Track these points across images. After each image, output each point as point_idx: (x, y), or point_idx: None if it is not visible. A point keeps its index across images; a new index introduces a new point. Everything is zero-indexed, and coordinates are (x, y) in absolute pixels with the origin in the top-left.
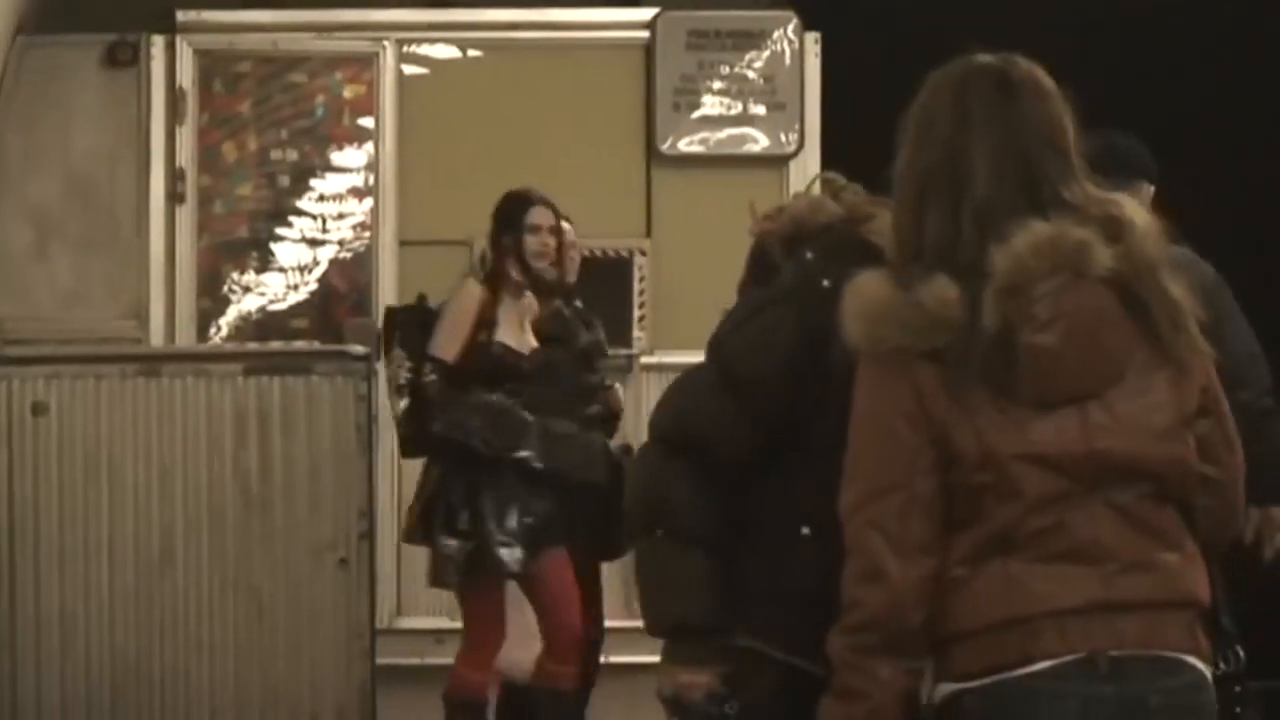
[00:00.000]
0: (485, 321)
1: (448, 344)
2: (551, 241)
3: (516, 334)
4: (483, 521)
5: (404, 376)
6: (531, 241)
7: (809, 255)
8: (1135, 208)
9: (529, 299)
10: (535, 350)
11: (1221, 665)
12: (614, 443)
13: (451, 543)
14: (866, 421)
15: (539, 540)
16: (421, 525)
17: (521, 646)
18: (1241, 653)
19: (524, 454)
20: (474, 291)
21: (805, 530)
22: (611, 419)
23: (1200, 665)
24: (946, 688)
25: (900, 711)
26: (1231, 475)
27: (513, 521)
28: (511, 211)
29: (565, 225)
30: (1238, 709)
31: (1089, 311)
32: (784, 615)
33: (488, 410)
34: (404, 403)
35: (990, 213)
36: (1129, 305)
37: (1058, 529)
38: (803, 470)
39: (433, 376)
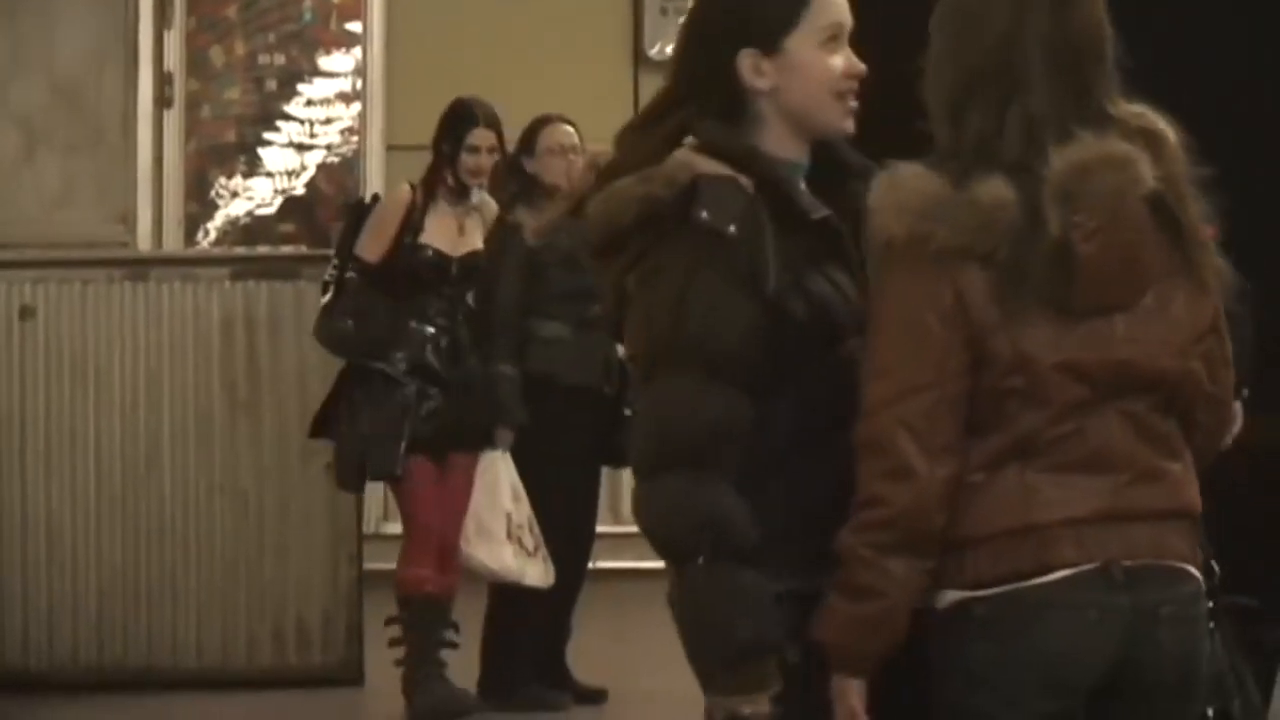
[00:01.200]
0: (411, 223)
1: (370, 244)
2: (487, 162)
3: (449, 238)
4: (355, 424)
5: (329, 274)
6: (468, 160)
7: (704, 215)
8: (1166, 122)
9: (478, 205)
10: (467, 254)
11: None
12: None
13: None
14: (897, 318)
15: (410, 446)
16: (317, 423)
17: (483, 546)
18: (1216, 567)
19: (378, 365)
20: (400, 194)
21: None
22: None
23: (1198, 574)
24: (954, 595)
25: (908, 614)
26: (1226, 393)
27: (381, 425)
28: (455, 124)
29: (569, 130)
30: (1212, 623)
31: (1129, 225)
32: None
33: (358, 315)
34: (325, 299)
35: (1040, 117)
36: (1161, 220)
37: (1076, 436)
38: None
39: (351, 274)
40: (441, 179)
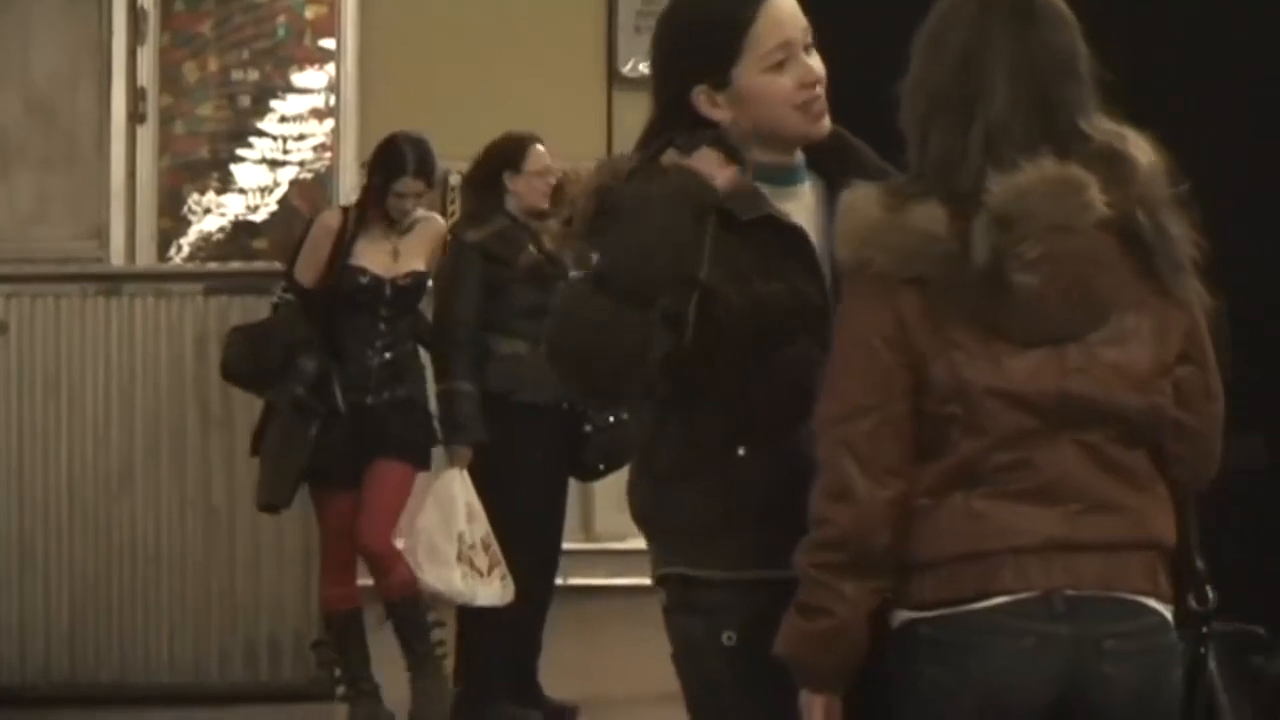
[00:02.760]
0: (341, 246)
1: (304, 267)
2: (410, 206)
3: (382, 260)
4: (264, 452)
5: (277, 296)
6: (394, 203)
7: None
8: (1142, 144)
9: (412, 226)
10: (402, 275)
11: (1193, 604)
12: None
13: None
14: (848, 339)
15: (303, 474)
16: (253, 442)
17: (433, 569)
18: (1211, 593)
19: (269, 395)
20: (329, 217)
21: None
22: None
23: (1161, 607)
24: (903, 615)
25: (864, 631)
26: (1208, 425)
27: (273, 455)
28: (386, 166)
29: (540, 149)
30: (1203, 649)
31: (1077, 256)
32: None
33: (255, 345)
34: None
35: (1001, 137)
36: (1129, 244)
37: (1024, 465)
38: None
39: (289, 297)
40: (371, 205)
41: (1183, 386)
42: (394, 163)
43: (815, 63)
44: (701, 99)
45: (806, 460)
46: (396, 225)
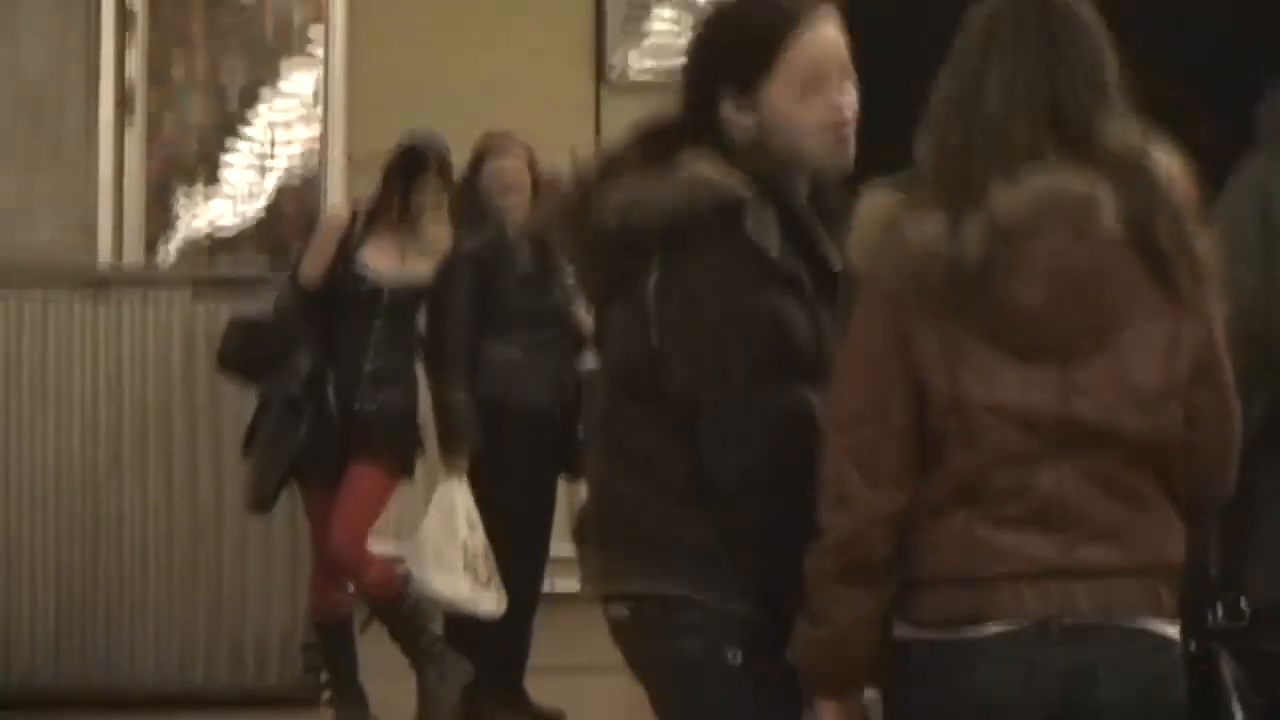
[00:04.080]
0: (347, 246)
1: (309, 265)
2: (431, 203)
3: (389, 264)
4: (254, 448)
5: (280, 296)
6: (415, 199)
7: (751, 231)
8: (1167, 155)
9: (429, 240)
10: (404, 281)
11: (1210, 619)
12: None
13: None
14: (854, 348)
15: (289, 474)
16: (245, 441)
17: (441, 575)
18: (1221, 609)
19: (260, 388)
20: (336, 217)
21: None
22: (575, 342)
23: (1162, 628)
24: (901, 632)
25: (870, 638)
26: (1221, 444)
27: (260, 453)
28: (407, 166)
29: (515, 167)
30: (1212, 665)
31: (1084, 271)
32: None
33: (254, 336)
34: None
35: (1000, 141)
36: (1144, 255)
37: (1025, 490)
38: None
39: (290, 297)
40: (386, 208)
41: (1195, 406)
42: (415, 162)
43: (848, 97)
44: (729, 103)
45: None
46: (408, 229)
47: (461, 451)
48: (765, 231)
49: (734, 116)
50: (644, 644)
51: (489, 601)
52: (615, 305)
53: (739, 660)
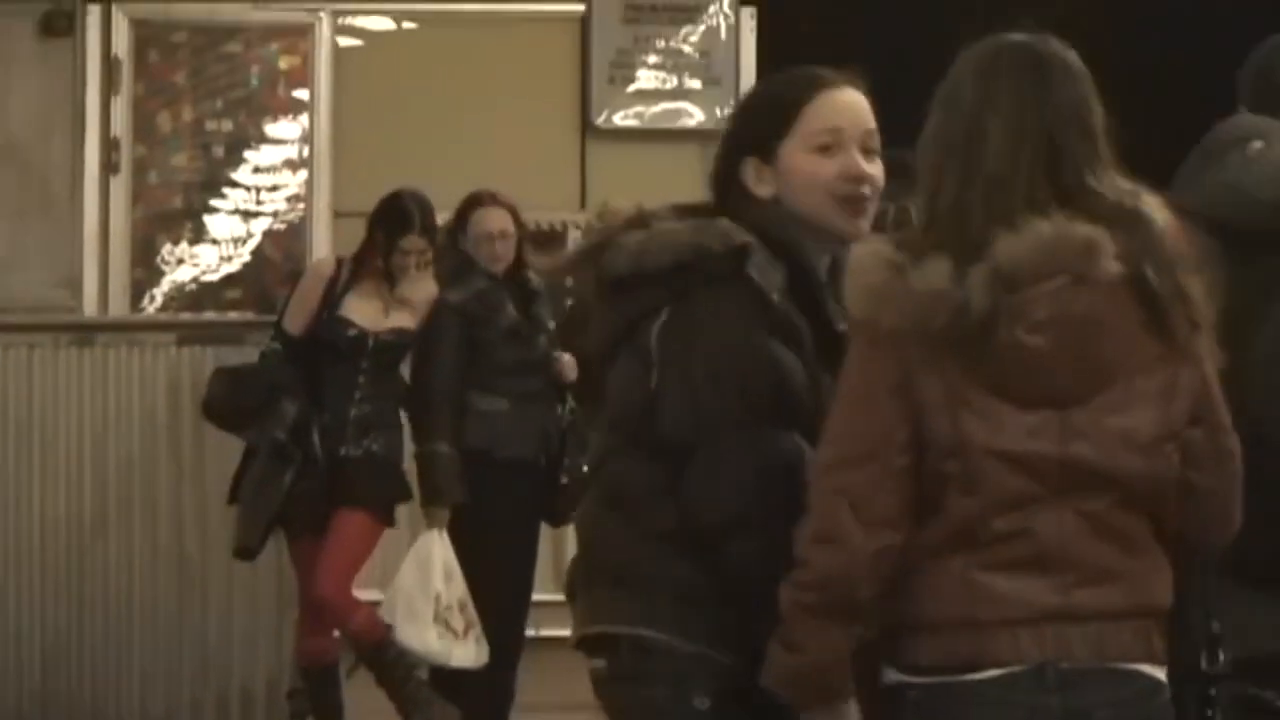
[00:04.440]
0: (332, 296)
1: (292, 316)
2: (414, 263)
3: (372, 314)
4: (241, 496)
5: (267, 345)
6: (399, 260)
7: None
8: (1157, 203)
9: (402, 289)
10: (388, 330)
11: (1203, 664)
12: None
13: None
14: (852, 389)
15: (275, 520)
16: (231, 491)
17: (410, 627)
18: (1222, 655)
19: (248, 435)
20: (322, 266)
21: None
22: (558, 391)
23: (1153, 671)
24: (894, 676)
25: (844, 667)
26: (1222, 484)
27: (248, 499)
28: (391, 223)
29: (500, 213)
30: (1210, 711)
31: (1085, 318)
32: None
33: (239, 384)
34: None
35: (1001, 193)
36: (1141, 302)
37: (1024, 535)
38: None
39: (276, 345)
40: (370, 260)
41: (1192, 448)
42: (399, 220)
43: (871, 166)
44: (749, 171)
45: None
46: (392, 282)
47: (443, 504)
48: (769, 278)
49: (755, 186)
50: (617, 691)
51: (464, 653)
52: (623, 353)
53: (705, 706)
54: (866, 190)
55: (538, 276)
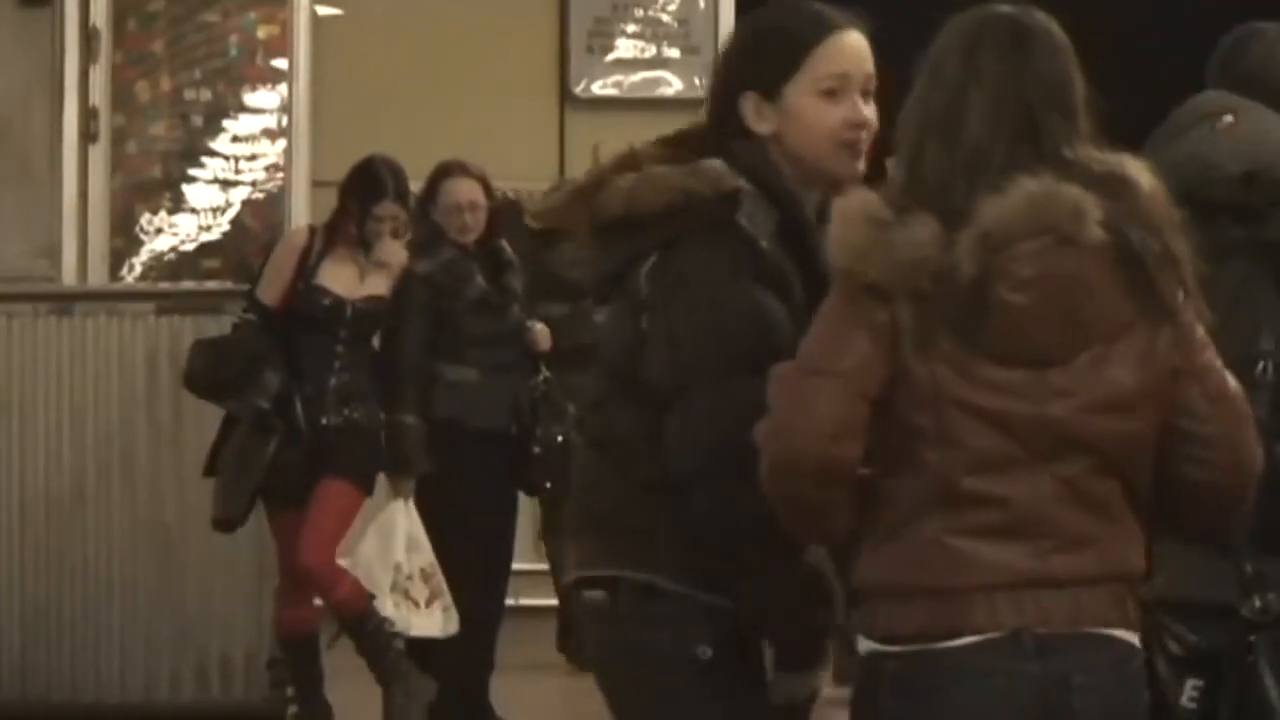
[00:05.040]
0: (307, 266)
1: (267, 287)
2: (389, 229)
3: (347, 282)
4: (221, 469)
5: (238, 317)
6: (372, 227)
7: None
8: (1140, 168)
9: (378, 254)
10: (364, 299)
11: (1245, 611)
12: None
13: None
14: (827, 318)
15: (258, 491)
16: (208, 463)
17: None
18: (1259, 601)
19: (230, 406)
20: (296, 236)
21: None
22: (531, 362)
23: (1127, 636)
24: (869, 645)
25: (848, 511)
26: (1223, 426)
27: (231, 470)
28: (364, 190)
29: (469, 184)
30: (1251, 656)
31: (1069, 278)
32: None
33: (219, 355)
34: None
35: (981, 161)
36: (1125, 266)
37: (999, 499)
38: None
39: (250, 316)
40: (344, 227)
41: (1181, 399)
42: (373, 187)
43: (869, 110)
44: (750, 106)
45: None
46: (366, 249)
47: (409, 475)
48: (759, 223)
49: (754, 122)
50: (614, 633)
51: (425, 623)
52: (616, 299)
53: (707, 656)
54: (865, 135)
55: (509, 247)
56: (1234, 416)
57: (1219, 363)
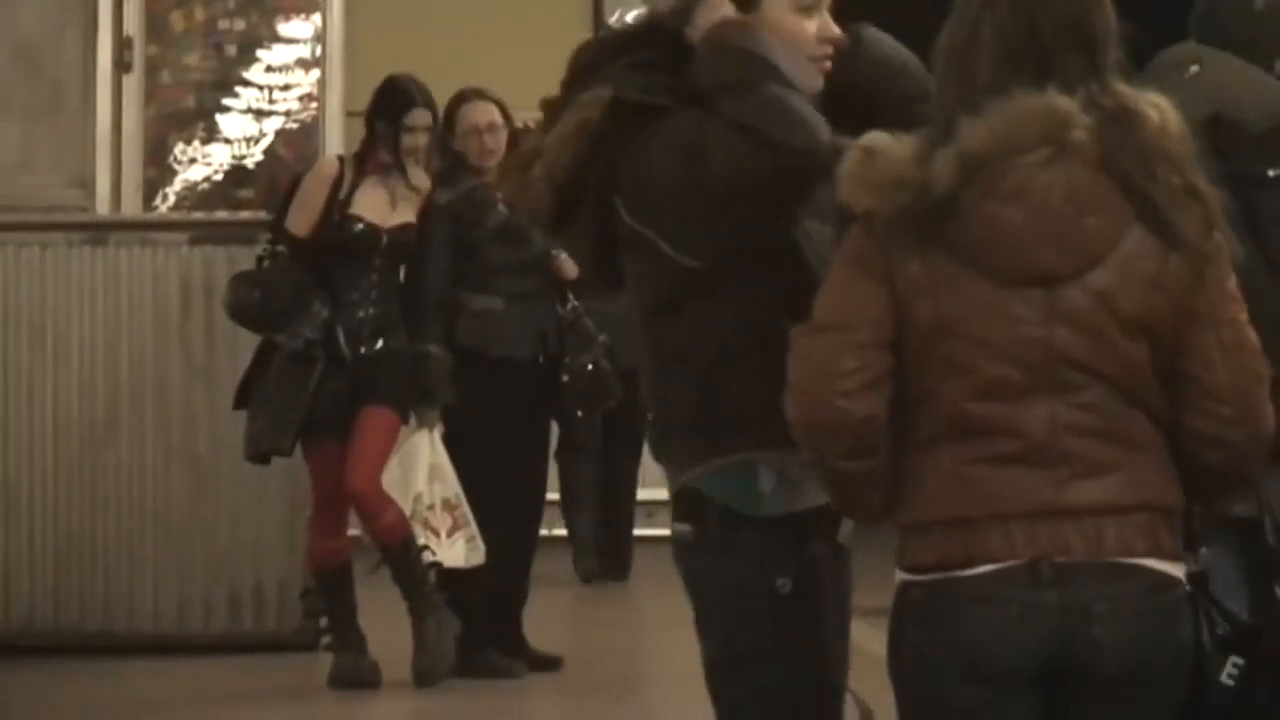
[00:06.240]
0: (337, 196)
1: (297, 217)
2: (423, 141)
3: (380, 210)
4: (260, 400)
5: (262, 249)
6: (406, 139)
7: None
8: (1162, 104)
9: (415, 184)
10: (397, 226)
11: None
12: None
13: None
14: (838, 265)
15: (313, 424)
16: (239, 394)
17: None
18: None
19: (278, 338)
20: (326, 166)
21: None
22: (558, 290)
23: (1162, 565)
24: (899, 575)
25: (880, 489)
26: (1233, 379)
27: (278, 400)
28: (392, 105)
29: (487, 106)
30: None
31: (1064, 190)
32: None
33: (266, 286)
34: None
35: (989, 96)
36: (1131, 193)
37: (1012, 429)
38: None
39: (279, 248)
40: (374, 154)
41: (1194, 343)
42: (400, 97)
43: (834, 26)
44: (723, 16)
45: None
46: (401, 171)
47: (434, 404)
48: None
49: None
50: (699, 563)
51: (447, 554)
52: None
53: (787, 590)
54: (831, 50)
55: None
56: (1246, 371)
57: (1245, 317)
